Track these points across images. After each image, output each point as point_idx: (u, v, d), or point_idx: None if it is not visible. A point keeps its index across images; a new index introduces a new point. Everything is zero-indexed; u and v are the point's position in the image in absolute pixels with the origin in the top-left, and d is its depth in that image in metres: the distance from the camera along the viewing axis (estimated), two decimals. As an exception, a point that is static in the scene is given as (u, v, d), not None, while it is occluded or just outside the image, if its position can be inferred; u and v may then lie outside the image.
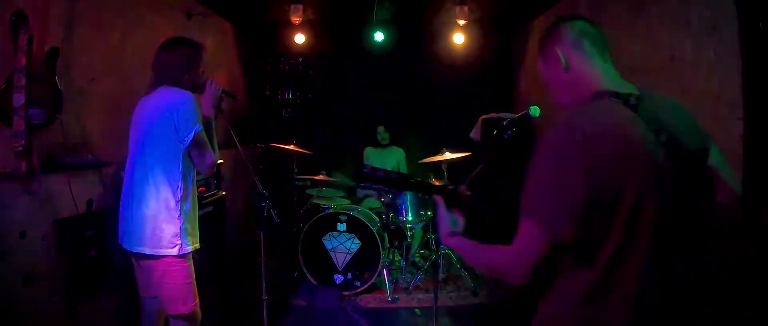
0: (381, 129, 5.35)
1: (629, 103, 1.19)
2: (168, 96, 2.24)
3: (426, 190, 1.56)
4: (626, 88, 1.25)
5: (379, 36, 5.70)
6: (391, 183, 1.56)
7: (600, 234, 1.12)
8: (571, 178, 1.09)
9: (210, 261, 3.23)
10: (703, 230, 1.30)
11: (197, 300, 2.33)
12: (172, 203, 2.21)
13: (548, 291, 1.24)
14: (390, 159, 5.37)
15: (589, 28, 1.32)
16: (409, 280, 4.37)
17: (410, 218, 4.25)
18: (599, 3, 3.69)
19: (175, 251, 2.20)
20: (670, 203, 1.14)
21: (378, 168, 1.52)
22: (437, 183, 1.58)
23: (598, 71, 1.29)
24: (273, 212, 2.69)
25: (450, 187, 1.54)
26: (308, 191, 5.02)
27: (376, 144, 5.43)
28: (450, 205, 1.50)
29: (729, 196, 1.40)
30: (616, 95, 1.21)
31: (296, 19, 5.16)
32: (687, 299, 1.23)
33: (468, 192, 1.56)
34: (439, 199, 1.50)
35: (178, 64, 2.30)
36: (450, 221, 1.46)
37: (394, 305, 3.99)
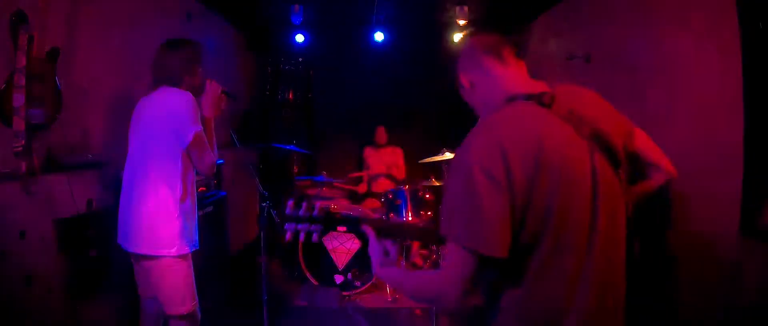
0: (381, 129, 5.35)
1: (543, 102, 1.17)
2: (167, 96, 2.24)
3: (353, 224, 1.53)
4: (537, 87, 1.23)
5: (379, 36, 5.70)
6: (316, 221, 1.51)
7: (527, 245, 1.08)
8: (491, 190, 1.04)
9: (210, 261, 3.23)
10: (649, 221, 1.32)
11: (196, 300, 2.33)
12: (171, 203, 2.21)
13: (487, 311, 1.18)
14: (388, 158, 5.37)
15: (483, 39, 1.32)
16: (409, 280, 4.36)
17: (411, 218, 4.24)
18: (599, 3, 3.69)
19: (173, 251, 2.20)
20: (601, 196, 1.12)
21: (302, 206, 1.49)
22: (368, 215, 1.59)
23: (502, 79, 1.27)
24: (273, 212, 2.69)
25: (380, 217, 1.53)
26: (308, 191, 5.02)
27: (374, 144, 5.43)
28: (381, 235, 1.48)
29: (663, 177, 1.37)
30: (527, 97, 1.19)
31: (296, 19, 5.16)
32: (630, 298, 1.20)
33: (400, 220, 1.55)
34: (369, 230, 1.48)
35: (177, 65, 2.30)
36: (381, 251, 1.44)
37: (394, 305, 3.99)
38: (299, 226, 1.49)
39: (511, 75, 1.28)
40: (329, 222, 1.52)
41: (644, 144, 1.36)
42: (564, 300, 1.10)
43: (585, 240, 1.11)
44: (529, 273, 1.10)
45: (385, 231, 1.50)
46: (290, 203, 1.50)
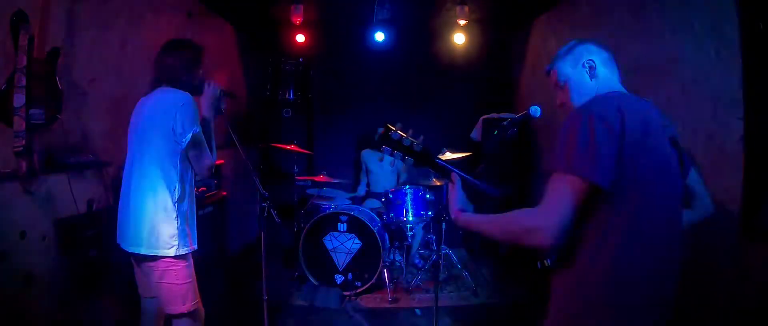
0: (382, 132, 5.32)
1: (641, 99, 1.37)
2: (167, 97, 2.24)
3: (444, 171, 1.60)
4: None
5: (379, 36, 5.70)
6: (413, 154, 1.61)
7: (624, 196, 1.23)
8: (606, 133, 1.21)
9: (210, 261, 3.23)
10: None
11: (198, 298, 2.33)
12: (170, 204, 2.21)
13: (578, 245, 1.29)
14: (387, 160, 5.35)
15: (603, 49, 1.56)
16: (409, 280, 4.37)
17: (411, 218, 4.24)
18: (600, 3, 3.69)
19: (172, 252, 2.20)
20: (671, 188, 1.32)
21: (404, 137, 1.59)
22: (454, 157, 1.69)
23: (612, 80, 1.53)
24: (273, 212, 2.69)
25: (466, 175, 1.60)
26: (309, 191, 5.02)
27: (374, 146, 5.40)
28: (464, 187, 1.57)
29: (701, 213, 1.62)
30: (636, 96, 1.39)
31: (296, 19, 5.17)
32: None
33: (480, 180, 1.63)
34: (456, 177, 1.58)
35: (177, 66, 2.30)
36: (463, 199, 1.54)
37: (394, 305, 3.99)
38: (395, 153, 1.62)
39: (617, 80, 1.54)
40: (423, 159, 1.62)
41: (696, 179, 1.59)
42: (647, 262, 1.26)
43: (666, 212, 1.31)
44: (620, 227, 1.25)
45: (468, 186, 1.60)
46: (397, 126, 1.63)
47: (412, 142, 1.60)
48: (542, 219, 1.22)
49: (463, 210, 1.52)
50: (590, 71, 1.52)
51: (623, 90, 1.49)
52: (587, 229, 1.26)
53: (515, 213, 1.31)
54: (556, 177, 1.24)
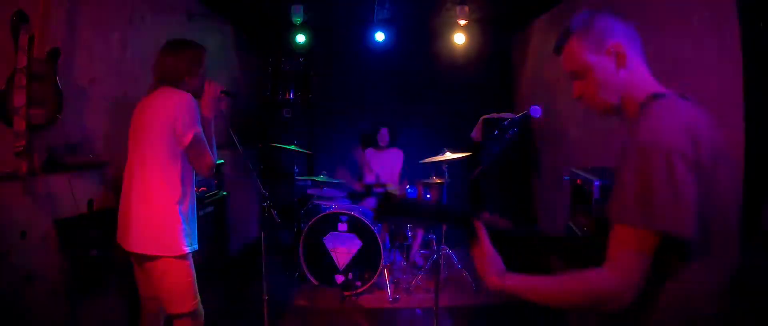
0: (384, 131, 5.30)
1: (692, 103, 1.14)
2: (168, 97, 2.25)
3: (462, 221, 1.28)
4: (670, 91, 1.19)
5: (379, 36, 5.70)
6: (420, 216, 1.31)
7: (708, 229, 1.04)
8: (685, 170, 1.00)
9: (211, 261, 3.23)
10: None
11: (198, 298, 2.34)
12: (170, 204, 2.21)
13: (652, 304, 1.08)
14: (389, 160, 5.35)
15: (627, 27, 1.26)
16: (410, 280, 4.37)
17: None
18: (599, 3, 3.68)
19: (173, 251, 2.20)
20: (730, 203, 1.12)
21: (405, 199, 1.30)
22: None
23: (648, 74, 1.23)
24: (274, 212, 2.69)
25: (488, 215, 1.28)
26: (309, 191, 5.02)
27: (376, 145, 5.39)
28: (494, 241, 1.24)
29: None
30: (682, 96, 1.16)
31: (297, 19, 5.17)
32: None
33: (507, 222, 1.29)
34: (481, 230, 1.24)
35: (179, 66, 2.30)
36: (498, 259, 1.21)
37: (394, 305, 3.99)
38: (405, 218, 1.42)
39: (648, 72, 1.25)
40: (435, 216, 1.35)
41: None
42: (719, 301, 1.09)
43: (734, 242, 1.12)
44: (695, 266, 1.06)
45: (503, 239, 1.26)
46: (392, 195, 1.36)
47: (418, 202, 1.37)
48: (617, 283, 1.02)
49: (503, 274, 1.20)
50: (618, 60, 1.21)
51: (659, 86, 1.22)
52: (661, 285, 1.07)
53: (580, 277, 1.09)
54: (627, 231, 1.03)
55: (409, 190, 4.30)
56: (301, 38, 5.75)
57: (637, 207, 1.02)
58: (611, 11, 1.32)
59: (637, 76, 1.22)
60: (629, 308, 1.03)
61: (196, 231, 2.36)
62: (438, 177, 4.57)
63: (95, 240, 2.60)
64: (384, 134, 5.26)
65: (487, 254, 1.22)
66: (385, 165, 5.30)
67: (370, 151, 5.42)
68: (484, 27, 5.82)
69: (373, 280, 4.08)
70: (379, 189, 4.85)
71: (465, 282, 4.29)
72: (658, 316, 1.08)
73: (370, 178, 5.36)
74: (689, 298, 1.07)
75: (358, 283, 4.12)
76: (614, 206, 1.08)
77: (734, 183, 1.12)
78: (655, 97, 1.16)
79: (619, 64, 1.21)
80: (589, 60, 1.23)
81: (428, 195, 4.35)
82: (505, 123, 2.42)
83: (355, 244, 4.13)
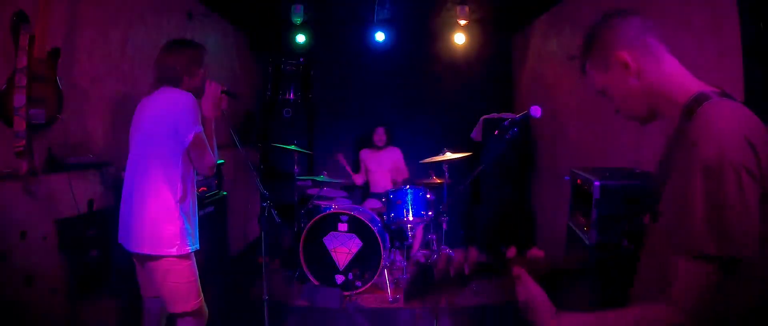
0: (380, 130, 5.27)
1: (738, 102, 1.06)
2: (168, 96, 2.25)
3: (499, 271, 1.16)
4: (711, 88, 1.11)
5: (380, 36, 5.70)
6: (453, 286, 1.16)
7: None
8: (748, 185, 0.93)
9: (211, 261, 3.23)
10: None
11: (201, 296, 2.34)
12: (172, 203, 2.21)
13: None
14: (386, 160, 5.34)
15: (648, 22, 1.17)
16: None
17: (412, 218, 4.24)
18: (600, 3, 3.68)
19: (175, 251, 2.20)
20: None
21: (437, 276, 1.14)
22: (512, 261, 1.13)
23: (680, 69, 1.14)
24: (274, 212, 2.69)
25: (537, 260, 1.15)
26: (309, 191, 5.02)
27: (373, 145, 5.37)
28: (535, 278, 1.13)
29: None
30: (724, 93, 1.09)
31: (297, 19, 5.17)
32: None
33: (541, 255, 1.16)
34: (522, 274, 1.12)
35: (179, 66, 2.31)
36: (545, 298, 1.10)
37: (395, 305, 3.99)
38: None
39: (681, 67, 1.16)
40: (462, 281, 1.16)
41: None
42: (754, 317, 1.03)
43: None
44: (755, 282, 0.99)
45: (544, 274, 1.15)
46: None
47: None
48: (682, 316, 0.95)
49: (556, 315, 1.08)
50: (627, 70, 1.13)
51: (696, 81, 1.14)
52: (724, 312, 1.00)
53: (643, 310, 1.01)
54: (696, 263, 0.95)
55: (408, 190, 4.30)
56: (301, 38, 5.75)
57: (709, 234, 0.93)
58: (608, 12, 1.27)
59: (663, 78, 1.13)
60: None
61: (197, 231, 2.36)
62: (438, 177, 4.57)
63: (95, 240, 2.60)
64: (380, 133, 5.23)
65: (535, 298, 1.11)
66: (382, 165, 5.29)
67: (365, 151, 5.41)
68: (484, 27, 5.82)
69: (373, 280, 4.08)
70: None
71: (465, 282, 4.28)
72: None
73: (364, 179, 5.37)
74: (725, 313, 1.01)
75: (359, 283, 4.12)
76: (677, 236, 0.98)
77: None
78: (699, 98, 1.06)
79: (629, 74, 1.13)
80: (602, 80, 1.19)
81: (429, 196, 4.35)
82: (505, 123, 2.42)
83: (355, 244, 4.13)
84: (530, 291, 1.11)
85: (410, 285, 1.22)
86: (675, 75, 1.14)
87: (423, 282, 1.17)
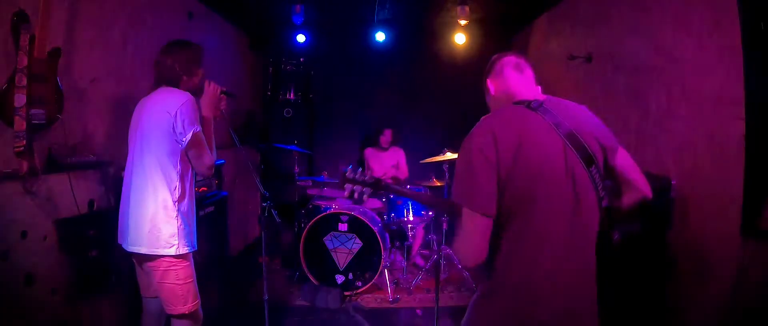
0: (388, 132, 5.32)
1: (531, 106, 1.52)
2: (167, 96, 2.25)
3: (396, 193, 2.05)
4: (532, 96, 1.59)
5: (380, 36, 5.70)
6: (367, 185, 1.91)
7: (509, 212, 1.41)
8: (485, 165, 1.40)
9: (211, 261, 3.23)
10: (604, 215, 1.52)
11: (198, 299, 2.34)
12: (170, 203, 2.21)
13: (487, 271, 1.51)
14: (389, 159, 5.36)
15: (510, 59, 1.68)
16: (410, 280, 4.37)
17: (412, 218, 4.24)
18: (600, 3, 3.68)
19: (173, 251, 2.20)
20: (569, 182, 1.43)
21: (358, 171, 1.80)
22: None
23: (514, 90, 1.64)
24: (274, 212, 2.69)
25: (408, 189, 1.79)
26: (309, 191, 5.02)
27: (378, 145, 5.41)
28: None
29: (636, 196, 1.61)
30: (520, 102, 1.56)
31: (297, 19, 5.17)
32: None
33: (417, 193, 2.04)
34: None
35: (178, 66, 2.31)
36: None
37: (395, 305, 3.99)
38: (355, 187, 1.88)
39: (521, 87, 1.63)
40: (377, 187, 1.89)
41: (623, 162, 1.59)
42: (534, 257, 1.43)
43: (553, 211, 1.42)
44: (510, 234, 1.44)
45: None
46: (350, 167, 1.89)
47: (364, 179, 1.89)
48: (461, 247, 1.51)
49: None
50: (489, 88, 1.74)
51: (522, 97, 1.62)
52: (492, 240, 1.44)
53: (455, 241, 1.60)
54: (463, 210, 1.47)
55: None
56: (301, 38, 5.76)
57: (458, 194, 1.48)
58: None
59: (508, 92, 1.68)
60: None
61: (196, 231, 2.36)
62: (438, 179, 4.58)
63: (95, 241, 2.60)
64: (388, 135, 5.30)
65: None
66: (384, 164, 5.31)
67: (369, 150, 5.44)
68: (485, 27, 5.82)
69: (373, 280, 4.08)
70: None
71: (465, 282, 4.29)
72: (495, 274, 1.51)
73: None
74: (510, 256, 1.49)
75: (359, 283, 4.12)
76: (453, 188, 1.55)
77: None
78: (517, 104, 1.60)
79: (490, 90, 1.76)
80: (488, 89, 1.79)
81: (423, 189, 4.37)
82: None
83: (355, 244, 4.14)
84: None
85: None
86: (510, 93, 1.64)
87: None
